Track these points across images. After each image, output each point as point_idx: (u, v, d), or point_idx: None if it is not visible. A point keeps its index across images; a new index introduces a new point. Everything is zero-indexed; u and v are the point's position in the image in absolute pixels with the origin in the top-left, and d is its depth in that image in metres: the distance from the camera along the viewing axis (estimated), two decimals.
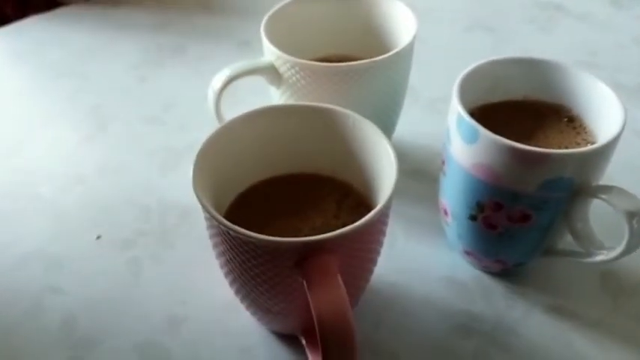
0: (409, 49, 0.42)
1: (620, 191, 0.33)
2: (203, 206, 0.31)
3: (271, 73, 0.42)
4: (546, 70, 0.39)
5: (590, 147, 0.33)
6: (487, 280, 0.42)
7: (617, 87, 0.60)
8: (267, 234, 0.29)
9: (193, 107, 0.56)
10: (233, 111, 0.38)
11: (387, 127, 0.47)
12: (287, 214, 0.37)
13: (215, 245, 0.33)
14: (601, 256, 0.35)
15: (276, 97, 0.45)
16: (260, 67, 0.42)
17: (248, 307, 0.36)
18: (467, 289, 0.42)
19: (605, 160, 0.35)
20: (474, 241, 0.40)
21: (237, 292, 0.35)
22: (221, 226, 0.30)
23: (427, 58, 0.64)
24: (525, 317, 0.40)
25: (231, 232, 0.29)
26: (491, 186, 0.35)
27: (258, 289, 0.32)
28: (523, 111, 0.40)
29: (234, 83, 0.43)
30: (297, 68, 0.41)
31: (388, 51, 0.44)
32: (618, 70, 0.62)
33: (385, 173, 0.34)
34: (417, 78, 0.54)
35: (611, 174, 0.50)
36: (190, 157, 0.34)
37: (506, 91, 0.41)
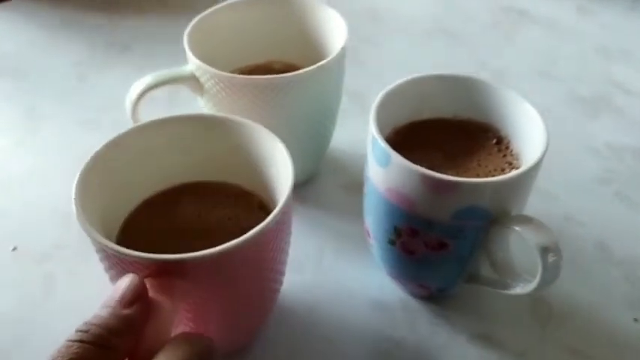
0: (337, 61, 0.40)
1: (537, 224, 0.31)
2: (82, 225, 0.29)
3: (193, 83, 0.40)
4: (473, 88, 0.37)
5: (504, 176, 0.31)
6: (413, 304, 0.40)
7: (574, 99, 0.59)
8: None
9: None
10: None
11: (317, 139, 0.45)
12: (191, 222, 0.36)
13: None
14: (517, 289, 0.33)
15: (201, 105, 0.43)
16: (181, 77, 0.40)
17: None
18: (392, 314, 0.40)
19: (523, 189, 0.33)
20: (395, 265, 0.38)
21: None
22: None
23: (379, 63, 0.62)
24: (448, 345, 0.38)
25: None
26: (405, 212, 0.33)
27: None
28: (452, 130, 0.39)
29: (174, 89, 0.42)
30: (216, 79, 0.39)
31: (323, 59, 0.42)
32: (578, 81, 0.60)
33: (283, 184, 0.32)
34: (365, 84, 0.51)
35: (558, 193, 0.48)
36: None
37: (435, 109, 0.39)
